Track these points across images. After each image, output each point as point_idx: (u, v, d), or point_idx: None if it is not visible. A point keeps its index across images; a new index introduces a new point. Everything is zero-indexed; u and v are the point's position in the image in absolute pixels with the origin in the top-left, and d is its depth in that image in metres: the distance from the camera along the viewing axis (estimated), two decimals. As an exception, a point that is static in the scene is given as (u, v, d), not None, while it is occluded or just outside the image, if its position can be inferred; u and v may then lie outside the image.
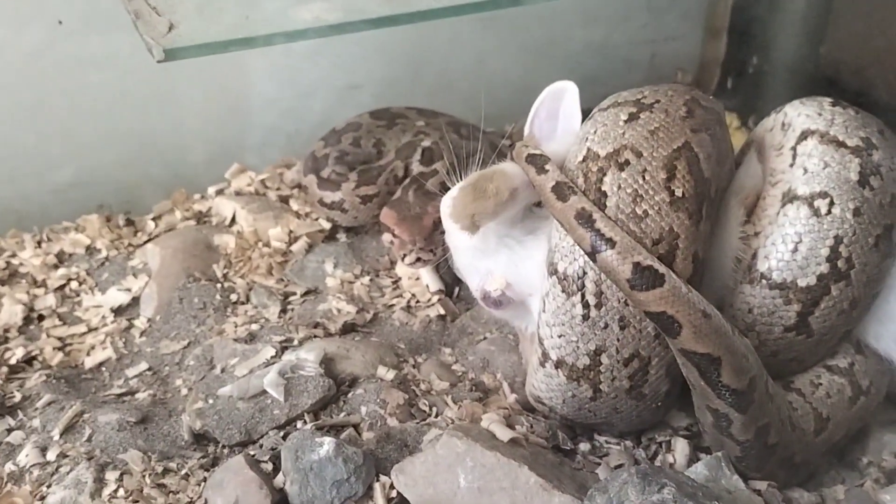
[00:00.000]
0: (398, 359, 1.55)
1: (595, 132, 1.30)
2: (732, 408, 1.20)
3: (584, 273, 1.23)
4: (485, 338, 1.62)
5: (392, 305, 1.71)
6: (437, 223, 1.50)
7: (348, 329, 1.62)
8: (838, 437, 1.39)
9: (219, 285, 1.74)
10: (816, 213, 1.28)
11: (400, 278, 1.78)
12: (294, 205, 1.95)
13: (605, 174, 1.24)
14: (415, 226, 1.60)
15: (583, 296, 1.23)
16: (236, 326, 1.63)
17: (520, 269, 1.35)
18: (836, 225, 1.27)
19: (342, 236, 1.89)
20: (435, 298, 1.71)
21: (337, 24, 1.45)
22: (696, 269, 1.22)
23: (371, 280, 1.77)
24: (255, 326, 1.62)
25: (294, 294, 1.73)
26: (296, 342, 1.54)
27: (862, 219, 1.27)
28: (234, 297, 1.72)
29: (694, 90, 1.39)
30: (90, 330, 1.67)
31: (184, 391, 1.51)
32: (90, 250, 1.86)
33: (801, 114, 1.39)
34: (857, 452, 1.45)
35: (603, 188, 1.23)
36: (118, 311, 1.71)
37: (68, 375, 1.56)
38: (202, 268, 1.78)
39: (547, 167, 1.27)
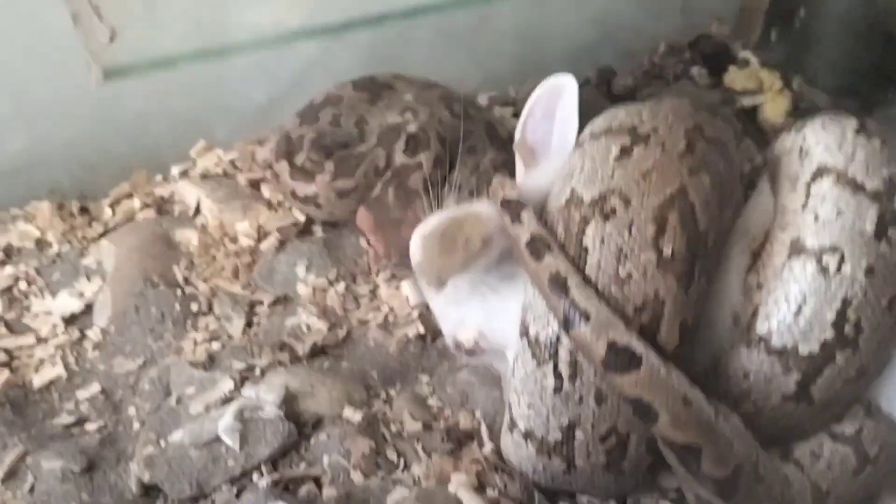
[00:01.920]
0: (368, 393, 1.61)
1: (582, 168, 1.33)
2: (715, 495, 1.26)
3: (558, 340, 1.28)
4: (466, 364, 1.66)
5: (367, 321, 1.75)
6: None
7: (317, 352, 1.68)
8: (838, 511, 1.44)
9: (179, 291, 1.78)
10: (825, 271, 1.30)
11: (378, 286, 1.82)
12: (265, 191, 1.97)
13: (587, 224, 1.28)
14: (391, 236, 1.65)
15: (555, 366, 1.28)
16: (195, 344, 1.68)
17: (493, 319, 1.41)
18: (845, 285, 1.29)
19: (318, 230, 1.92)
20: (415, 313, 1.74)
21: (301, 29, 1.46)
22: (682, 338, 1.26)
23: (346, 287, 1.81)
24: (215, 346, 1.68)
25: (261, 303, 1.78)
26: (258, 371, 1.61)
27: (875, 279, 1.30)
28: (194, 306, 1.76)
29: (700, 112, 1.40)
30: (39, 341, 1.71)
31: (136, 425, 1.58)
32: (41, 244, 1.89)
33: (819, 142, 1.40)
34: (863, 525, 1.50)
35: (585, 242, 1.27)
36: (70, 320, 1.75)
37: (15, 398, 1.61)
38: (161, 270, 1.80)
39: (523, 216, 1.30)
